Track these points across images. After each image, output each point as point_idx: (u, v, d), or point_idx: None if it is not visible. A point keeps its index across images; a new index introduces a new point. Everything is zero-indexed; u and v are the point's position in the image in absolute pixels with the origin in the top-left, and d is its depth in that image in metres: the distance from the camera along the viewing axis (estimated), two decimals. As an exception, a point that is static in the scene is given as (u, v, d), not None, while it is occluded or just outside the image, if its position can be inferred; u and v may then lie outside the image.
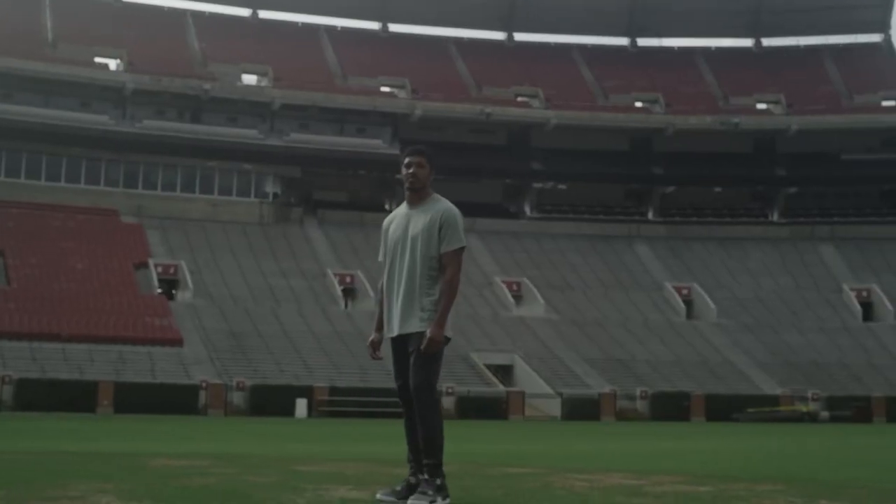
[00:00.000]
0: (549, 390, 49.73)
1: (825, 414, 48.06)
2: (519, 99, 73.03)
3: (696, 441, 19.65)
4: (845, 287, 64.25)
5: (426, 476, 6.33)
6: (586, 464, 10.86)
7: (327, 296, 59.22)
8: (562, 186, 71.75)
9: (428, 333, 6.37)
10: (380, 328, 6.74)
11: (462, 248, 6.56)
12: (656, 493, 7.63)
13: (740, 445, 17.72)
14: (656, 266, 67.68)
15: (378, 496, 6.53)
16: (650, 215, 72.93)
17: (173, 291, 56.85)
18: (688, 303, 62.59)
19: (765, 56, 78.84)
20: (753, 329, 59.89)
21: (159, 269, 57.25)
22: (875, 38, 78.71)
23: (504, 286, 62.19)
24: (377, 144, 69.39)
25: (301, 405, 42.62)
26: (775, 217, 72.34)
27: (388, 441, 18.35)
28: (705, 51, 79.97)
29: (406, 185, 6.71)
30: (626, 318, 60.75)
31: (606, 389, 49.08)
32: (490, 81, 73.74)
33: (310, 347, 51.89)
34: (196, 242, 61.66)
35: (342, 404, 43.74)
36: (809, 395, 50.32)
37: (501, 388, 49.62)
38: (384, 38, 78.13)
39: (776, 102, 73.19)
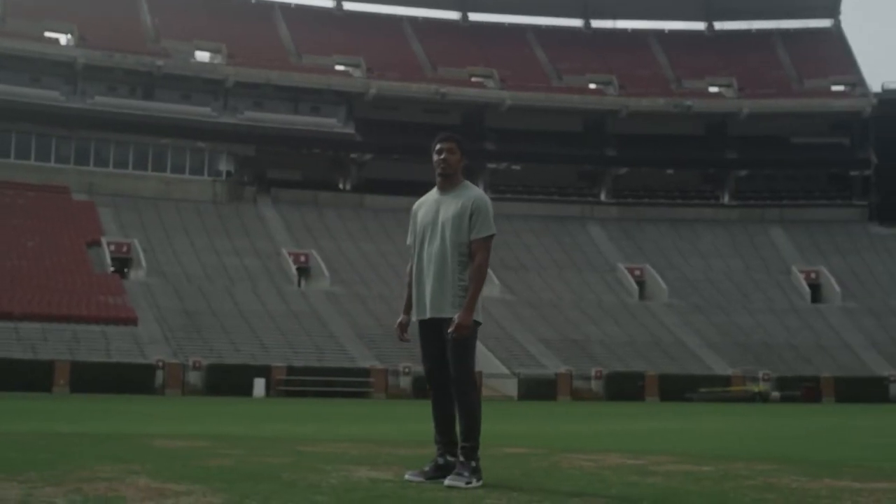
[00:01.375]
0: (505, 370, 50.03)
1: (776, 394, 48.86)
2: (473, 79, 73.12)
3: (666, 422, 19.95)
4: (794, 269, 65.27)
5: (462, 458, 6.45)
6: (579, 444, 11.02)
7: (282, 275, 59.07)
8: (516, 167, 72.01)
9: (456, 319, 6.46)
10: (408, 310, 6.82)
11: (492, 236, 6.63)
12: (663, 472, 7.79)
13: (711, 426, 18.03)
14: (609, 247, 68.24)
15: (407, 477, 6.63)
16: (603, 196, 73.46)
17: (126, 270, 56.32)
18: (640, 283, 63.23)
19: (717, 39, 79.62)
20: (704, 310, 60.66)
21: (112, 248, 56.72)
22: (825, 23, 79.75)
23: (459, 267, 62.26)
24: (332, 123, 69.21)
25: (259, 385, 42.55)
26: (726, 199, 73.21)
27: (370, 421, 18.46)
28: (658, 33, 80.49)
29: (437, 170, 6.77)
30: (580, 299, 61.24)
31: (562, 370, 49.48)
32: (445, 61, 73.70)
33: (265, 327, 51.75)
34: (149, 221, 61.14)
35: (300, 384, 43.71)
36: (760, 375, 51.15)
37: (458, 367, 49.77)
38: (339, 16, 77.75)
39: (728, 86, 73.98)
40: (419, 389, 45.83)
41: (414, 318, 6.77)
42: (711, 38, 79.98)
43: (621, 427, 16.08)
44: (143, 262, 55.55)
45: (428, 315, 6.64)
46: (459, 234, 6.60)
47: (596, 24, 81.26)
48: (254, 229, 63.55)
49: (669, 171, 72.92)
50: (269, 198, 67.28)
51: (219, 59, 68.43)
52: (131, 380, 41.51)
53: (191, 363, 44.68)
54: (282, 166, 68.92)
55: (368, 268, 61.45)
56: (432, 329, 6.65)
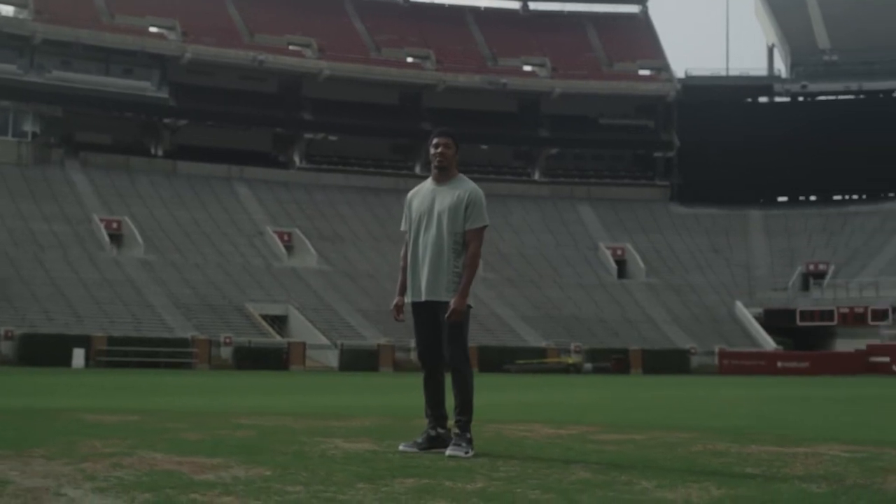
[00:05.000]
0: (325, 341, 50.17)
1: (588, 366, 50.81)
2: (291, 48, 72.45)
3: (525, 393, 20.66)
4: (601, 245, 67.84)
5: (458, 430, 6.86)
6: (490, 415, 11.42)
7: (93, 242, 57.32)
8: (332, 138, 71.95)
9: (451, 304, 6.84)
10: (402, 293, 7.17)
11: (485, 227, 7.01)
12: (609, 441, 8.29)
13: (578, 398, 18.84)
14: (424, 220, 68.99)
15: (401, 448, 6.93)
16: (418, 170, 74.11)
17: (-76, 234, 53.39)
18: (455, 257, 64.17)
19: (532, 20, 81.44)
20: (517, 283, 62.32)
21: None
22: (633, 9, 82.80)
23: (275, 236, 61.97)
24: (145, 87, 67.33)
25: (78, 355, 41.22)
26: (537, 176, 75.24)
27: (241, 394, 18.36)
28: (474, 10, 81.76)
29: (434, 163, 7.14)
30: (395, 270, 61.37)
31: (384, 341, 49.96)
32: (262, 28, 72.74)
33: (78, 295, 50.22)
34: (-51, 182, 58.08)
35: (121, 354, 42.64)
36: (572, 347, 53.01)
37: (279, 338, 49.66)
38: (152, -24, 75.34)
39: (542, 65, 75.91)
40: (241, 359, 45.52)
41: (408, 301, 7.08)
42: (526, 18, 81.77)
43: (500, 399, 16.62)
44: (-56, 226, 52.81)
45: (423, 298, 7.02)
46: (455, 224, 6.98)
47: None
48: (62, 194, 61.29)
49: (483, 147, 74.23)
50: (77, 161, 64.95)
51: (25, 15, 65.42)
52: (-61, 349, 39.56)
53: (2, 333, 42.87)
54: (91, 129, 66.63)
55: (183, 236, 60.32)
56: (426, 311, 7.03)
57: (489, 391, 22.01)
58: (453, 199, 7.03)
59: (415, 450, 6.87)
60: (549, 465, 6.33)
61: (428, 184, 7.25)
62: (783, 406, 16.35)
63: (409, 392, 20.85)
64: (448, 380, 7.06)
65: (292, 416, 10.66)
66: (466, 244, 7.00)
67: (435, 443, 6.91)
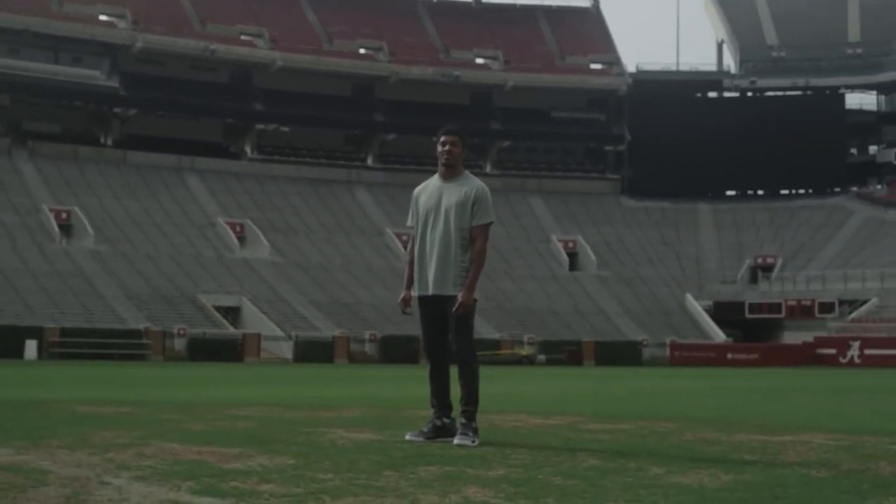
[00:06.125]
0: (279, 333, 50.03)
1: (542, 357, 51.10)
2: (243, 38, 72.01)
3: (488, 385, 20.82)
4: (553, 238, 68.28)
5: (464, 420, 7.07)
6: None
7: (43, 232, 56.65)
8: (284, 129, 71.71)
9: (459, 298, 7.04)
10: (410, 286, 7.32)
11: (491, 223, 7.16)
12: (603, 430, 8.50)
13: (550, 389, 19.04)
14: (376, 212, 69.10)
15: (408, 437, 7.11)
16: (370, 161, 74.20)
17: None
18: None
19: (484, 12, 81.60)
20: (470, 275, 62.40)
21: None
22: (585, 2, 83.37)
23: (227, 227, 61.65)
24: (95, 76, 66.57)
25: (31, 347, 40.77)
26: (489, 168, 75.37)
27: (215, 385, 18.32)
28: (427, 2, 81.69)
29: (441, 161, 7.30)
30: (350, 263, 61.82)
31: (338, 332, 49.94)
32: (214, 18, 72.18)
33: (28, 286, 49.64)
34: None
35: (74, 346, 42.23)
36: (525, 339, 53.31)
37: (234, 330, 49.46)
38: (101, -37, 74.42)
39: (494, 58, 76.13)
40: (194, 351, 45.30)
41: (414, 294, 7.22)
42: (479, 11, 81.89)
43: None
44: None
45: (431, 292, 7.19)
46: (462, 220, 7.16)
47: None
48: (10, 184, 60.46)
49: (435, 139, 74.20)
50: (25, 151, 64.08)
51: (-29, 2, 64.30)
52: None
53: (-48, 324, 42.33)
54: (40, 118, 65.85)
55: (134, 226, 59.79)
56: (433, 305, 7.22)
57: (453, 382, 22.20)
58: (460, 195, 7.18)
59: (421, 439, 7.03)
60: (557, 453, 6.50)
61: (435, 180, 7.39)
62: (749, 397, 16.69)
63: (377, 383, 20.99)
64: (454, 371, 7.23)
65: (280, 407, 10.75)
66: (472, 240, 7.16)
67: (441, 432, 7.09)
